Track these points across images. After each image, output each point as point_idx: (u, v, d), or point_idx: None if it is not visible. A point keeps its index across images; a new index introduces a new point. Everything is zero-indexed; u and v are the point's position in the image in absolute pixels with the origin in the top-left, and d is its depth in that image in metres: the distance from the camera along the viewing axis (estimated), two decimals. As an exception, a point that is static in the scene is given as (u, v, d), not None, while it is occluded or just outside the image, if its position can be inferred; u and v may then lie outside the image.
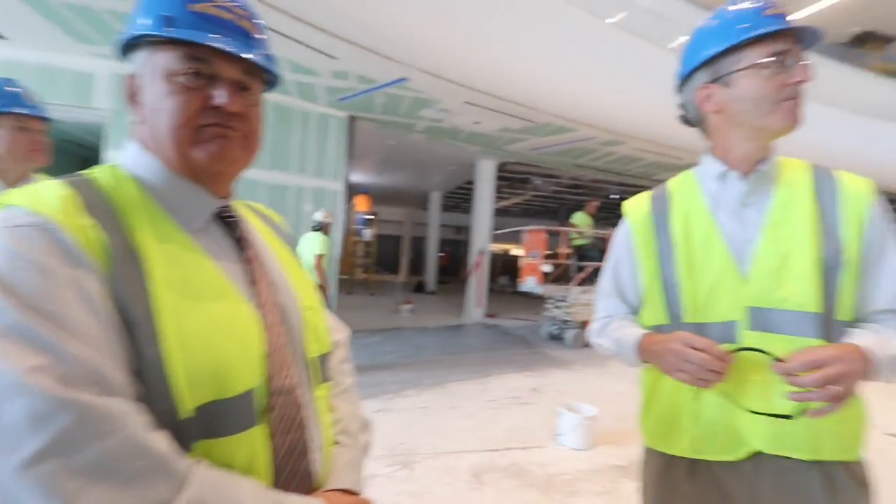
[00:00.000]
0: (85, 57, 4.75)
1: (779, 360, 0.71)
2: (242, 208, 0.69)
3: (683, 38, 0.90)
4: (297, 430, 0.56)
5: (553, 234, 7.55)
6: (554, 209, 15.61)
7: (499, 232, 9.58)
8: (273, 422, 0.54)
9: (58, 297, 0.42)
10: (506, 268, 17.68)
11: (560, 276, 7.09)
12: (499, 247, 18.44)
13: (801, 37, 0.78)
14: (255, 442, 0.52)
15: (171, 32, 0.53)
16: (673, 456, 0.87)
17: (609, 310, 1.00)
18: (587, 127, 6.18)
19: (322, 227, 4.53)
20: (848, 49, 11.04)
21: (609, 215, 11.79)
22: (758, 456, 0.79)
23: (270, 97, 5.76)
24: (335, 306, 4.58)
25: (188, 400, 0.46)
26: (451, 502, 2.30)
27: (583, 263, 7.01)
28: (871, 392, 0.76)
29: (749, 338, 0.78)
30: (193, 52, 0.54)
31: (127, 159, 0.58)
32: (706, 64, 0.83)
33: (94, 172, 0.55)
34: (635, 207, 0.98)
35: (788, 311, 0.76)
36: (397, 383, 4.26)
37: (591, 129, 6.28)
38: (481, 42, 4.67)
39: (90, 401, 0.40)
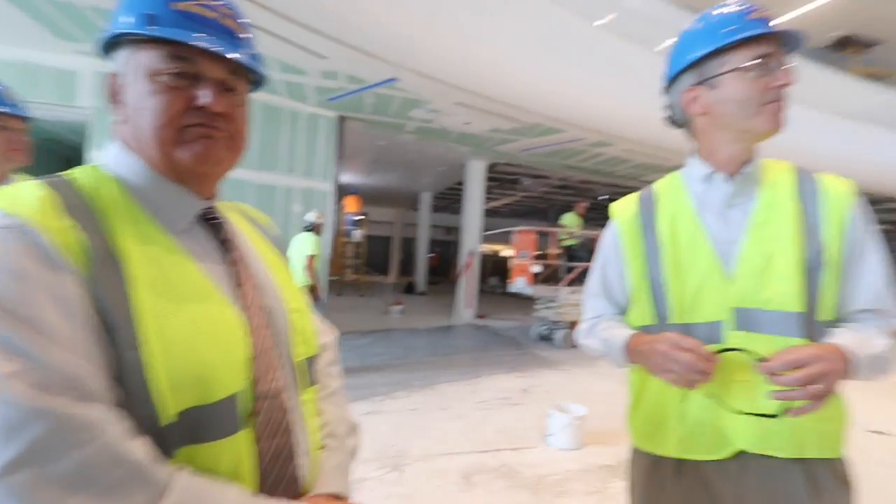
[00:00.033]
0: (68, 54, 4.67)
1: (763, 359, 0.72)
2: (228, 209, 0.68)
3: (671, 41, 0.90)
4: (283, 434, 0.56)
5: (542, 235, 7.60)
6: (543, 210, 15.70)
7: (489, 233, 9.62)
8: (258, 426, 0.53)
9: (34, 301, 0.41)
10: (496, 268, 17.72)
11: (549, 277, 7.13)
12: (489, 247, 18.48)
13: (783, 40, 0.80)
14: (239, 447, 0.51)
15: (154, 31, 0.52)
16: (660, 456, 0.88)
17: (597, 310, 1.00)
18: (576, 128, 6.23)
19: (314, 228, 4.52)
20: (829, 52, 11.27)
21: (598, 216, 11.84)
22: (742, 455, 0.80)
23: (259, 97, 5.74)
24: (327, 307, 4.57)
25: (170, 405, 0.45)
26: (442, 504, 2.30)
27: (572, 264, 7.06)
28: (851, 390, 0.78)
29: (734, 338, 0.79)
30: (177, 51, 0.53)
31: (109, 159, 0.57)
32: (692, 66, 0.84)
33: (75, 173, 0.54)
34: (623, 209, 0.98)
35: (772, 311, 0.77)
36: (387, 385, 4.24)
37: (580, 131, 6.33)
38: (471, 43, 4.68)
39: (66, 408, 0.39)
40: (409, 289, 13.82)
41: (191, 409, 0.47)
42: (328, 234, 6.28)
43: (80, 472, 0.38)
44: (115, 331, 0.45)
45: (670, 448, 0.85)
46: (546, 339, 6.90)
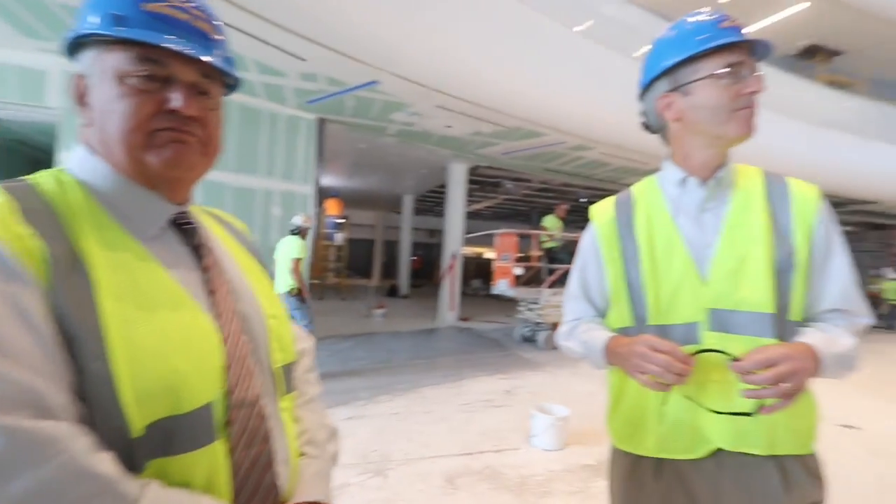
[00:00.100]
0: (35, 53, 4.51)
1: (736, 359, 0.74)
2: (202, 214, 0.66)
3: (647, 48, 0.92)
4: (261, 442, 0.55)
5: (524, 238, 7.66)
6: (525, 212, 15.83)
7: (471, 235, 9.64)
8: (234, 436, 0.52)
9: None
10: (479, 271, 17.79)
11: (531, 279, 7.19)
12: (471, 250, 18.55)
13: (754, 49, 0.82)
14: (215, 458, 0.50)
15: (122, 32, 0.50)
16: (639, 456, 0.89)
17: (577, 312, 1.01)
18: (556, 131, 6.31)
19: (300, 231, 4.52)
20: (797, 61, 11.70)
21: (578, 218, 12.04)
22: (719, 453, 0.81)
23: (237, 98, 5.65)
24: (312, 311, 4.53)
25: (140, 416, 0.44)
26: (425, 508, 2.28)
27: (553, 266, 7.13)
28: (821, 385, 0.80)
29: (709, 338, 0.81)
30: (147, 53, 0.51)
31: (73, 163, 0.55)
32: (666, 73, 0.85)
33: (38, 177, 0.52)
34: (601, 212, 1.00)
35: (745, 312, 0.79)
36: (370, 389, 4.21)
37: (560, 134, 6.42)
38: (452, 47, 4.70)
39: (23, 425, 0.37)
40: (392, 292, 13.75)
41: (162, 420, 0.46)
42: (309, 237, 6.22)
43: (42, 490, 0.36)
44: (78, 341, 0.43)
45: (649, 448, 0.86)
46: (529, 340, 6.95)
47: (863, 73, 12.22)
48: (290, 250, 4.34)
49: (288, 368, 0.65)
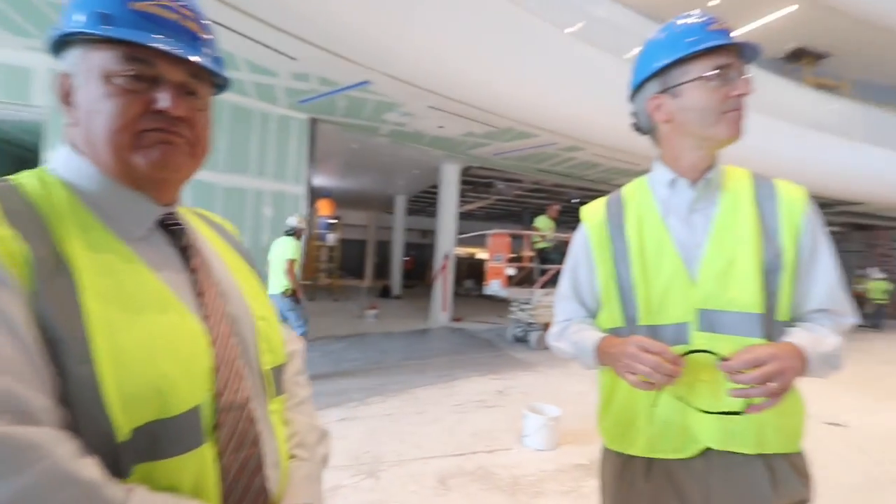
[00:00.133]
0: (21, 51, 4.44)
1: (725, 359, 0.75)
2: (190, 216, 0.65)
3: (638, 49, 0.93)
4: (251, 445, 0.54)
5: (517, 238, 7.68)
6: (518, 213, 15.88)
7: (463, 236, 9.65)
8: (223, 439, 0.51)
9: None
10: (471, 271, 17.81)
11: (524, 279, 7.21)
12: (464, 250, 18.56)
13: (742, 52, 0.83)
14: (203, 462, 0.49)
15: (109, 31, 0.50)
16: (630, 456, 0.89)
17: (568, 313, 1.02)
18: (548, 132, 6.34)
19: (296, 232, 4.53)
20: (784, 64, 11.88)
21: (570, 219, 12.11)
22: (708, 452, 0.82)
23: (228, 98, 5.60)
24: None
25: (126, 420, 0.43)
26: (417, 510, 2.28)
27: (545, 266, 7.16)
28: (807, 383, 0.81)
29: (699, 338, 0.81)
30: (134, 52, 0.51)
31: (58, 164, 0.54)
32: (656, 75, 0.86)
33: (20, 178, 0.51)
34: (592, 212, 1.00)
35: (734, 312, 0.80)
36: (362, 390, 4.19)
37: (552, 135, 6.45)
38: (444, 48, 4.70)
39: (4, 431, 0.36)
40: (384, 293, 13.71)
41: (149, 424, 0.45)
42: (302, 238, 6.18)
43: (25, 496, 0.35)
44: (62, 345, 0.42)
45: (640, 448, 0.87)
46: (521, 340, 6.97)
47: (848, 76, 12.44)
48: (284, 251, 4.34)
49: (278, 370, 0.65)
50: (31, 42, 4.27)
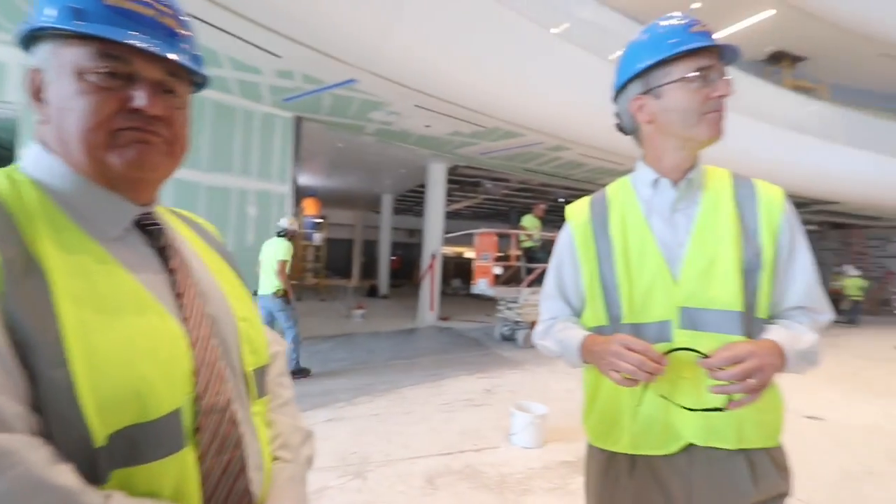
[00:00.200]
0: (-7, 45, 4.30)
1: (705, 356, 0.76)
2: (169, 216, 0.64)
3: (622, 51, 0.94)
4: (233, 448, 0.53)
5: (503, 237, 7.71)
6: (505, 212, 15.94)
7: (451, 235, 9.65)
8: (204, 442, 0.50)
9: None
10: (458, 270, 17.83)
11: (511, 278, 7.24)
12: (451, 250, 18.56)
13: (723, 54, 0.84)
14: (184, 465, 0.48)
15: (81, 27, 0.48)
16: (614, 452, 0.90)
17: (553, 312, 1.02)
18: (534, 132, 6.38)
19: (287, 234, 4.53)
20: (764, 66, 12.13)
21: (557, 218, 12.20)
22: (690, 448, 0.83)
23: (211, 95, 5.51)
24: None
25: (104, 424, 0.42)
26: (405, 510, 2.27)
27: (532, 265, 7.20)
28: (787, 378, 0.83)
29: (681, 336, 0.83)
30: (108, 48, 0.49)
31: (28, 162, 0.52)
32: (639, 76, 0.87)
33: None
34: (577, 212, 1.01)
35: (716, 310, 0.82)
36: (349, 390, 4.17)
37: (538, 134, 6.48)
38: (430, 47, 4.69)
39: None
40: (372, 292, 13.65)
41: (127, 429, 0.44)
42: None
43: None
44: (34, 349, 0.41)
45: (624, 445, 0.88)
46: (509, 339, 7.00)
47: (826, 79, 12.76)
48: (276, 252, 4.35)
49: (260, 372, 0.64)
50: (4, 36, 4.14)
